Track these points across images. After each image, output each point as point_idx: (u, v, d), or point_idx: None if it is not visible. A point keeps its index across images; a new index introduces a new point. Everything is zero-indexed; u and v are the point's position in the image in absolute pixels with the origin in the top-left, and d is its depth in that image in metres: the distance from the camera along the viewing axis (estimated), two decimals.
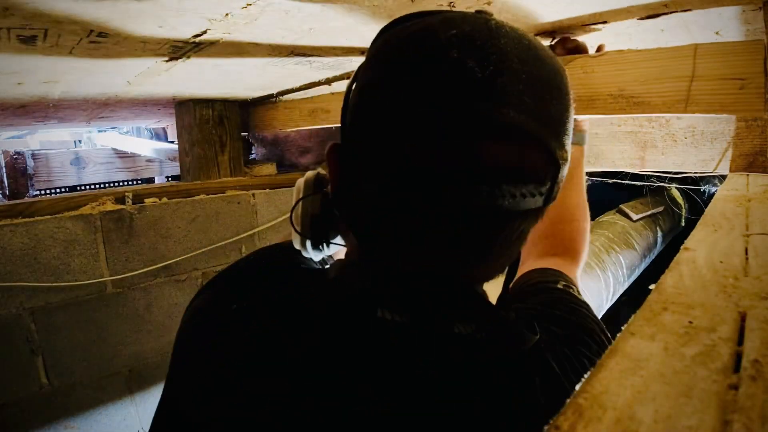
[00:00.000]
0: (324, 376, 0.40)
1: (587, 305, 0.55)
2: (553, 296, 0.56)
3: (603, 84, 0.80)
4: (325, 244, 0.51)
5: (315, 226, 0.50)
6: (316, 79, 1.39)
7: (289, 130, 1.91)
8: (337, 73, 1.30)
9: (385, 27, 0.45)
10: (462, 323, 0.41)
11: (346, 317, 0.42)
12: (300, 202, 0.51)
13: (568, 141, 0.41)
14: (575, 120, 0.78)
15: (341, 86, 1.52)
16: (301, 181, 0.53)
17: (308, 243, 0.51)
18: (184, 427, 0.42)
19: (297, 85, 1.48)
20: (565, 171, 0.41)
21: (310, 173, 0.54)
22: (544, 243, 0.77)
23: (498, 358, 0.42)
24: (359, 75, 0.44)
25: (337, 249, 0.54)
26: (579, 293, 0.58)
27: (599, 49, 0.81)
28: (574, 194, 0.79)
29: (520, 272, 0.66)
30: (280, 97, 1.76)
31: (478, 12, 0.41)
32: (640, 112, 0.77)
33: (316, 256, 0.54)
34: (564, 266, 0.67)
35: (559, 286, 0.58)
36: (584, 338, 0.49)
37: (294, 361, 0.41)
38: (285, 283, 0.49)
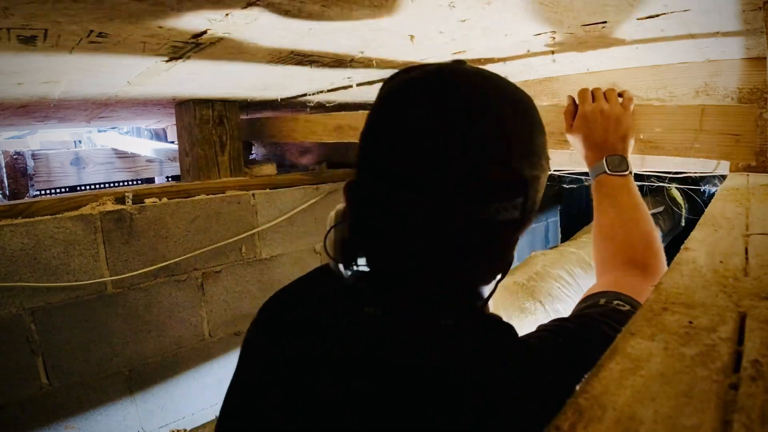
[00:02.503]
0: (320, 353, 0.49)
1: (609, 313, 0.56)
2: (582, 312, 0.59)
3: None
4: (354, 264, 0.58)
5: (345, 250, 0.57)
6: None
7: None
8: (345, 73, 1.30)
9: (389, 77, 0.53)
10: (442, 317, 0.48)
11: (342, 313, 0.51)
12: (332, 230, 0.58)
13: (538, 161, 0.48)
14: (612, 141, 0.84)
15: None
16: (332, 213, 0.61)
17: (340, 266, 0.58)
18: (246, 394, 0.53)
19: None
20: (537, 186, 0.49)
21: (340, 205, 0.61)
22: (600, 258, 0.78)
23: (470, 345, 0.46)
24: (367, 119, 0.51)
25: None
26: (622, 304, 0.58)
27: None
28: (613, 214, 0.78)
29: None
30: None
31: (455, 61, 0.50)
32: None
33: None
34: (621, 282, 0.66)
35: (600, 302, 0.59)
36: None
37: (303, 345, 0.51)
38: (313, 290, 0.58)
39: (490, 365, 0.45)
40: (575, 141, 0.89)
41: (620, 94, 0.90)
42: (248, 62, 1.11)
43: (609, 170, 0.81)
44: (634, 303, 0.60)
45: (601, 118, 0.84)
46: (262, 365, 0.53)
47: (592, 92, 0.88)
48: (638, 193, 0.81)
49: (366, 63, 1.17)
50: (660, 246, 0.76)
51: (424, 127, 0.44)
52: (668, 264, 0.44)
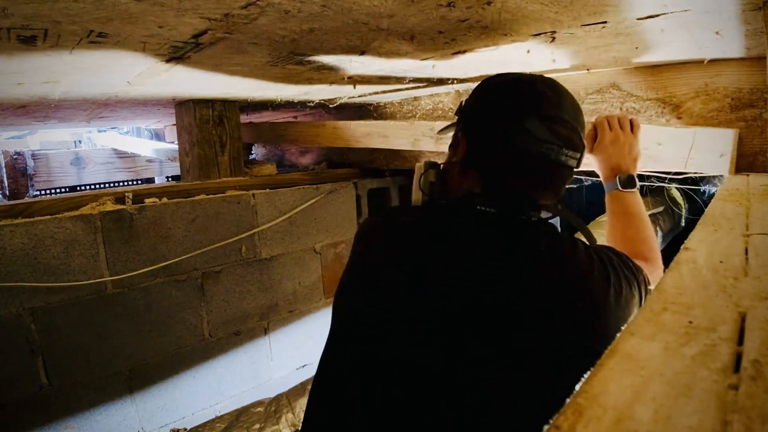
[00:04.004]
0: (443, 237, 0.76)
1: (623, 265, 0.78)
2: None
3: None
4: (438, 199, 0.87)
5: (432, 188, 0.87)
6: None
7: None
8: (340, 69, 1.30)
9: (488, 78, 0.86)
10: (527, 214, 0.76)
11: (460, 209, 0.79)
12: (423, 174, 0.88)
13: (584, 136, 0.81)
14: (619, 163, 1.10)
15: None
16: (420, 164, 0.89)
17: (426, 199, 0.87)
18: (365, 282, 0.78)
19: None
20: (583, 152, 0.81)
21: (426, 160, 0.90)
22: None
23: (550, 233, 0.76)
24: (475, 97, 0.85)
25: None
26: (627, 264, 0.79)
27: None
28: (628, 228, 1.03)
29: None
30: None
31: (542, 75, 0.82)
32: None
33: None
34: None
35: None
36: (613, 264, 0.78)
37: (428, 229, 0.78)
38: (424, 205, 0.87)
39: (552, 241, 0.74)
40: (594, 161, 1.12)
41: (630, 122, 1.10)
42: (248, 62, 1.11)
43: (621, 188, 1.03)
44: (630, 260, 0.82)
45: (618, 145, 1.06)
46: (396, 246, 0.77)
47: (609, 122, 1.09)
48: (642, 205, 1.04)
49: (366, 63, 1.17)
50: (657, 244, 1.02)
51: (549, 96, 0.78)
52: (667, 266, 0.44)
